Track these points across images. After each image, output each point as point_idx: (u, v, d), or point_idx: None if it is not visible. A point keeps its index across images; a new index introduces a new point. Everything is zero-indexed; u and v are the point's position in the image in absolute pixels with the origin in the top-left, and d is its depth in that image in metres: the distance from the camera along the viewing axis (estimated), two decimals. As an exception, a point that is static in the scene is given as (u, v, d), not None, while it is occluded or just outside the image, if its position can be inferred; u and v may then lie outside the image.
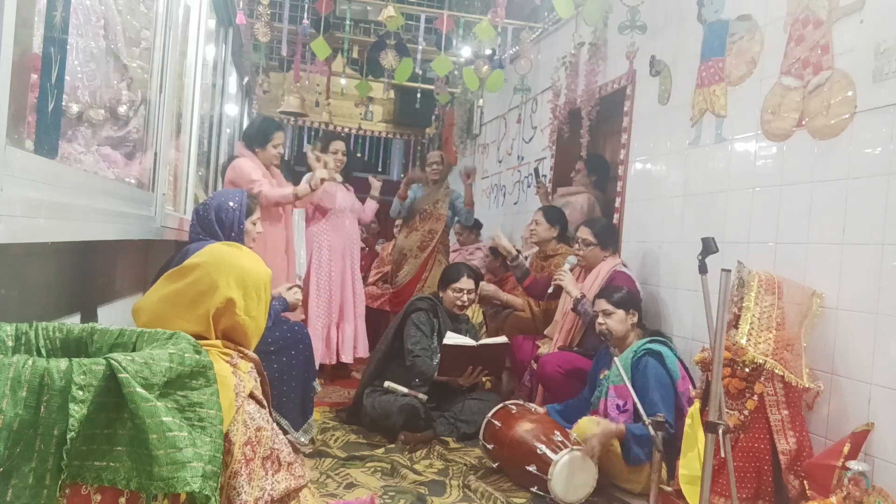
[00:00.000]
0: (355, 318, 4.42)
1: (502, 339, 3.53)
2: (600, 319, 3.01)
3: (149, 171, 2.55)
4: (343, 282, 4.38)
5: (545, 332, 3.75)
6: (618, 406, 2.82)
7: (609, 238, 3.59)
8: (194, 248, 2.27)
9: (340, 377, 4.51)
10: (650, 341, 2.89)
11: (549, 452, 2.58)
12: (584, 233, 3.58)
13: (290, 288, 3.04)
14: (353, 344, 4.37)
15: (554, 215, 4.06)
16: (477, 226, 5.68)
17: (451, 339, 3.30)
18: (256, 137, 3.62)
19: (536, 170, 5.04)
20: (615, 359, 2.69)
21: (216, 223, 2.60)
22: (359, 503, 2.36)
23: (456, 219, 5.23)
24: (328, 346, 4.29)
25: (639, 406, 2.49)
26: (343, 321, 4.36)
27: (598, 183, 4.44)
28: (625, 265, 3.55)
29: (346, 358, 4.34)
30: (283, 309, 3.00)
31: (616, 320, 2.97)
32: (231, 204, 2.64)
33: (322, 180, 3.62)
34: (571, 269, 3.63)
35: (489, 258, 5.19)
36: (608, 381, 2.91)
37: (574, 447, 2.59)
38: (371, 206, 4.69)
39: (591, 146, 4.41)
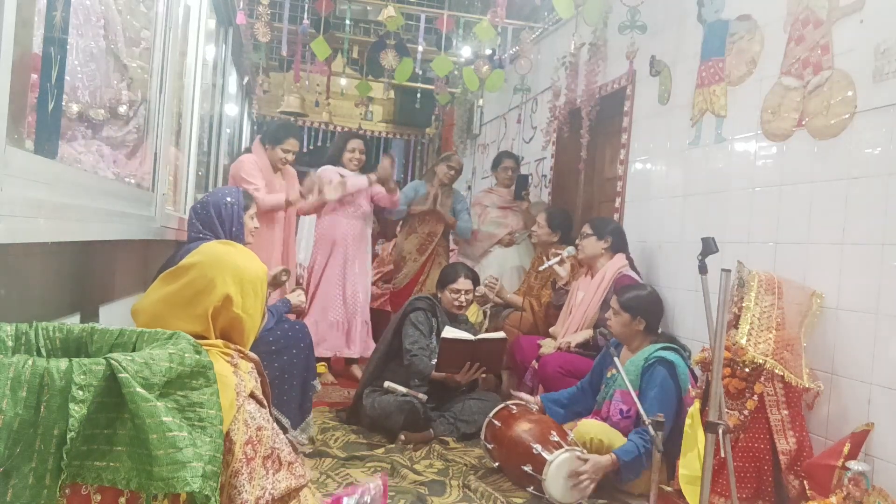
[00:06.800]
0: (363, 314, 4.47)
1: (500, 334, 3.52)
2: (607, 314, 3.00)
3: (149, 171, 2.55)
4: (354, 276, 4.41)
5: (550, 331, 3.75)
6: (621, 411, 2.79)
7: (606, 230, 3.55)
8: (193, 247, 2.28)
9: (346, 374, 4.53)
10: (664, 348, 2.79)
11: (544, 452, 2.57)
12: (586, 227, 3.61)
13: (293, 290, 3.07)
14: (362, 338, 4.42)
15: (556, 220, 4.07)
16: None
17: (450, 332, 3.30)
18: (271, 135, 3.72)
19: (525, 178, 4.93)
20: (619, 368, 2.64)
21: (216, 218, 2.60)
22: (368, 486, 2.34)
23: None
24: (349, 339, 4.36)
25: (642, 412, 2.48)
26: (355, 315, 4.40)
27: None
28: (632, 267, 3.50)
29: (354, 353, 4.41)
30: (286, 310, 3.01)
31: (617, 321, 2.93)
32: (229, 199, 2.64)
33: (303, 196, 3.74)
34: (565, 259, 3.73)
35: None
36: (615, 383, 2.86)
37: (570, 447, 2.58)
38: (382, 195, 4.51)
39: (590, 146, 4.42)
